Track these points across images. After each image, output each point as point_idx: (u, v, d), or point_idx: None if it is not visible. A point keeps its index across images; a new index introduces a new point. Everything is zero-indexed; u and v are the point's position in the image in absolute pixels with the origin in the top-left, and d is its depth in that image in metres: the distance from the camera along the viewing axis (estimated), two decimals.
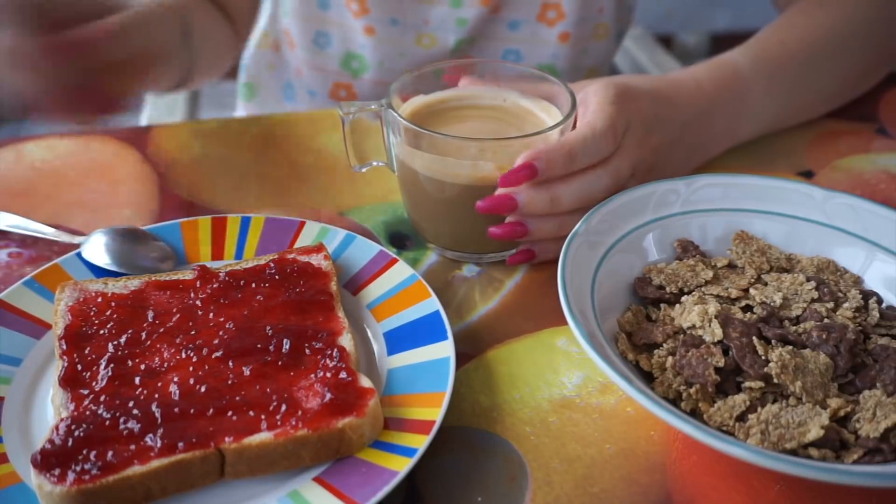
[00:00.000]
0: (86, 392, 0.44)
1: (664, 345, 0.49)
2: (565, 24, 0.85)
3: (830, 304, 0.51)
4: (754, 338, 0.47)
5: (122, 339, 0.47)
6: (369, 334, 0.52)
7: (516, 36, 0.87)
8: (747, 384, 0.45)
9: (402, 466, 0.42)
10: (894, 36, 0.76)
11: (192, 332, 0.48)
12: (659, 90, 0.60)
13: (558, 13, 0.85)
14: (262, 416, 0.43)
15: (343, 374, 0.45)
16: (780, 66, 0.69)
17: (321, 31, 0.88)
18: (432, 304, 0.51)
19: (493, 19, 0.86)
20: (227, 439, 0.41)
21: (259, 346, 0.46)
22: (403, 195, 0.60)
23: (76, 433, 0.41)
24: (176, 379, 0.44)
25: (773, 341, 0.48)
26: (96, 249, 0.56)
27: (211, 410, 0.43)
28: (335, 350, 0.46)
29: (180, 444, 0.41)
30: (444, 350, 0.48)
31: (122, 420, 0.42)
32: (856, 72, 0.76)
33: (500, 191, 0.52)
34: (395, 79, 0.58)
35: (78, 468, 0.40)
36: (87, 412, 0.43)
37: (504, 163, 0.53)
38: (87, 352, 0.46)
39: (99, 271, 0.55)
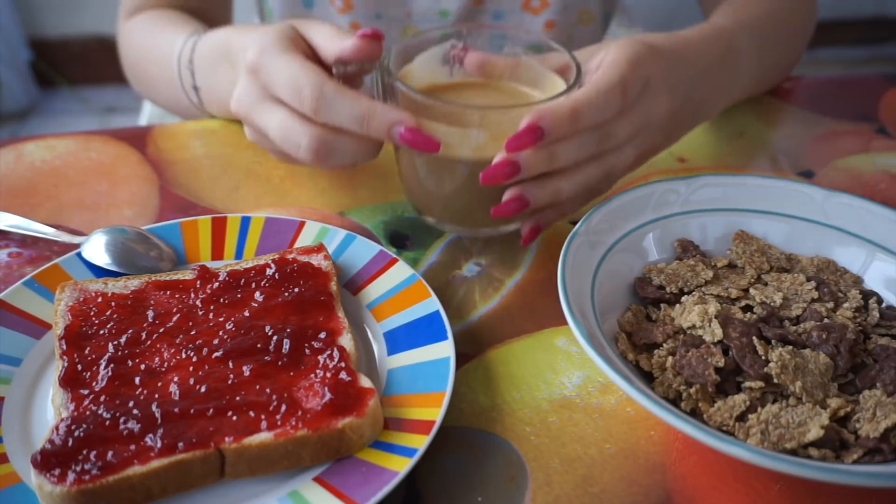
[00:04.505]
0: (86, 392, 0.44)
1: (664, 345, 0.49)
2: (550, 11, 0.86)
3: (830, 304, 0.51)
4: (754, 338, 0.47)
5: (123, 339, 0.47)
6: (369, 334, 0.52)
7: (501, 26, 0.87)
8: (747, 384, 0.45)
9: (402, 466, 0.42)
10: (809, 19, 0.83)
11: (193, 332, 0.48)
12: (676, 47, 0.60)
13: (542, 1, 0.86)
14: (262, 416, 0.43)
15: (343, 374, 0.45)
16: (758, 35, 0.71)
17: None
18: (432, 304, 0.51)
19: (477, 11, 0.86)
20: (227, 439, 0.41)
21: (259, 346, 0.46)
22: (399, 167, 0.59)
23: (76, 433, 0.41)
24: (176, 379, 0.44)
25: (773, 341, 0.48)
26: (96, 249, 0.56)
27: (211, 410, 0.43)
28: (335, 350, 0.46)
29: (180, 444, 0.41)
30: (444, 350, 0.48)
31: (122, 420, 0.42)
32: (796, 47, 0.82)
33: (499, 156, 0.51)
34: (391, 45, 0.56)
35: (78, 468, 0.40)
36: (87, 412, 0.42)
37: (507, 132, 0.51)
38: (87, 352, 0.46)
39: (99, 271, 0.55)
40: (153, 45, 0.76)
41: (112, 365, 0.45)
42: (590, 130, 0.52)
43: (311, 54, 0.56)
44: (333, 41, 0.54)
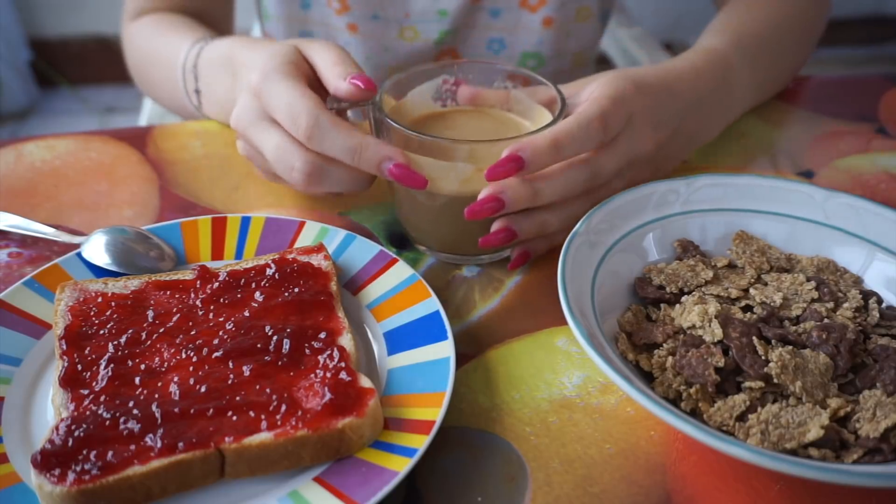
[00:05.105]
0: (86, 392, 0.44)
1: (664, 345, 0.49)
2: (547, 8, 0.86)
3: (830, 304, 0.51)
4: (754, 338, 0.47)
5: (123, 339, 0.47)
6: (369, 334, 0.52)
7: (499, 24, 0.87)
8: (747, 384, 0.45)
9: (402, 466, 0.42)
10: (819, 18, 0.83)
11: (193, 332, 0.48)
12: (664, 81, 0.61)
13: None
14: (262, 416, 0.43)
15: (343, 374, 0.45)
16: (756, 51, 0.71)
17: (305, 32, 0.88)
18: (432, 304, 0.51)
19: (474, 9, 0.86)
20: (227, 439, 0.41)
21: (259, 346, 0.46)
22: (392, 194, 0.60)
23: (76, 433, 0.41)
24: (176, 379, 0.44)
25: (773, 341, 0.48)
26: (96, 249, 0.56)
27: (211, 410, 0.43)
28: (335, 350, 0.46)
29: (180, 444, 0.41)
30: (444, 350, 0.48)
31: (122, 420, 0.42)
32: (804, 50, 0.82)
33: (484, 192, 0.52)
34: (384, 75, 0.58)
35: (78, 468, 0.40)
36: (87, 412, 0.42)
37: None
38: (87, 352, 0.46)
39: (99, 271, 0.55)
40: (158, 48, 0.77)
41: (112, 365, 0.45)
42: (576, 167, 0.53)
43: (313, 76, 0.57)
44: (333, 71, 0.55)
